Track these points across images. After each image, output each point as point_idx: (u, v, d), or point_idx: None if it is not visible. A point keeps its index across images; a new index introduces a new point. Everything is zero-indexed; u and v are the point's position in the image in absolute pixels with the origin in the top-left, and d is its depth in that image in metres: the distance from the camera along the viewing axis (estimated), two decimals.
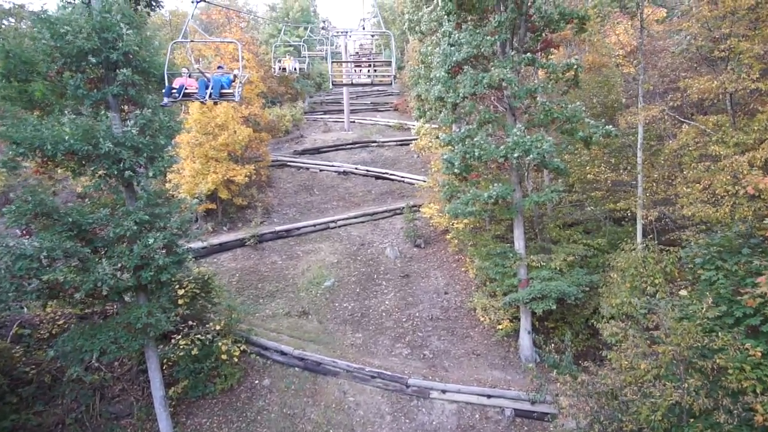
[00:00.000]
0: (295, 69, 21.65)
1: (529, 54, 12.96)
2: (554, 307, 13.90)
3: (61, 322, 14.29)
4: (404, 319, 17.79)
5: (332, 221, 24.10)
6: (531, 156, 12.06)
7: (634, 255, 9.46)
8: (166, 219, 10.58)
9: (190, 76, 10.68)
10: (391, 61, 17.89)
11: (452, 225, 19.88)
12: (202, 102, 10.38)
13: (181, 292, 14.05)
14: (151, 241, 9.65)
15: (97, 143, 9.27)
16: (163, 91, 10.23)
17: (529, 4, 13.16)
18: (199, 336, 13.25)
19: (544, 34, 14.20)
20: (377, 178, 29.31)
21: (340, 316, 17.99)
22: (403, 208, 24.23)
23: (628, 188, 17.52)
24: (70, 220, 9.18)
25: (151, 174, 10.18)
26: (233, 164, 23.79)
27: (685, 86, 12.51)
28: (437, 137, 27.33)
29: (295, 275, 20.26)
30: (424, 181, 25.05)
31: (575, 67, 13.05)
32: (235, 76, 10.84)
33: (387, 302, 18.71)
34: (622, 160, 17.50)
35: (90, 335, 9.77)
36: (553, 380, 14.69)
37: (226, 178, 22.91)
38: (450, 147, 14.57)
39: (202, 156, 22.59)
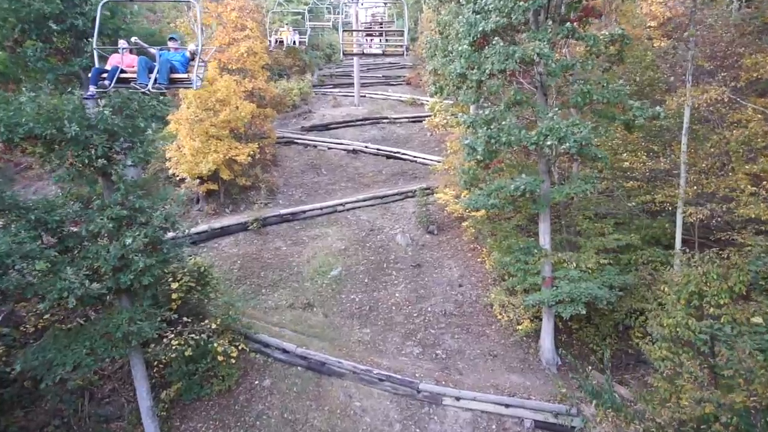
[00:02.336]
0: (294, 42, 19.13)
1: (568, 24, 11.15)
2: (584, 311, 12.55)
3: (47, 315, 13.25)
4: (415, 314, 16.60)
5: (340, 204, 22.74)
6: (567, 144, 10.45)
7: (693, 269, 7.97)
8: (149, 213, 9.26)
9: (131, 52, 7.61)
10: (403, 31, 16.11)
11: (469, 212, 18.43)
12: (144, 93, 7.24)
13: (174, 285, 12.92)
14: (129, 241, 8.39)
15: (63, 126, 7.90)
16: (90, 75, 7.19)
17: None
18: (193, 336, 12.16)
19: (583, 1, 12.30)
20: (388, 157, 27.73)
21: (347, 309, 16.85)
22: (416, 190, 22.72)
23: (666, 178, 15.82)
24: (34, 217, 7.93)
25: (129, 162, 8.81)
26: (236, 142, 22.35)
27: (752, 63, 10.67)
28: (454, 115, 25.55)
29: (300, 263, 19.08)
30: (439, 162, 23.45)
31: (621, 39, 11.22)
32: (192, 53, 7.56)
33: (397, 294, 17.50)
34: (661, 146, 15.77)
35: (63, 345, 8.69)
36: (576, 387, 13.58)
37: (227, 157, 21.51)
38: (471, 130, 12.95)
39: (202, 133, 21.12)
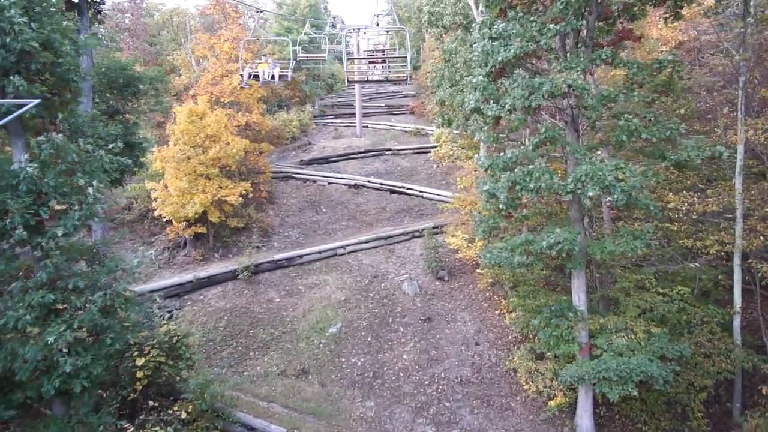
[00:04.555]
0: (272, 77, 16.88)
1: (606, 49, 9.31)
2: (635, 392, 10.23)
3: None
4: (427, 382, 14.28)
5: (340, 247, 20.69)
6: (615, 196, 8.43)
7: None
8: (87, 294, 7.22)
9: None
10: (406, 57, 14.90)
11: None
12: None
13: (140, 361, 10.81)
14: (51, 339, 6.33)
15: None
16: None
17: None
18: (157, 429, 9.93)
19: (618, 23, 10.54)
20: (392, 192, 25.90)
21: (348, 375, 14.56)
22: (423, 230, 20.73)
23: (711, 220, 13.72)
24: None
25: (60, 233, 6.82)
26: (226, 181, 20.56)
27: None
28: (463, 148, 23.74)
29: (294, 318, 16.90)
30: (447, 200, 21.49)
31: (673, 66, 9.34)
32: None
33: (405, 357, 15.21)
34: (698, 179, 13.79)
35: None
36: None
37: (217, 197, 19.65)
38: (490, 172, 10.99)
39: (190, 172, 19.36)
